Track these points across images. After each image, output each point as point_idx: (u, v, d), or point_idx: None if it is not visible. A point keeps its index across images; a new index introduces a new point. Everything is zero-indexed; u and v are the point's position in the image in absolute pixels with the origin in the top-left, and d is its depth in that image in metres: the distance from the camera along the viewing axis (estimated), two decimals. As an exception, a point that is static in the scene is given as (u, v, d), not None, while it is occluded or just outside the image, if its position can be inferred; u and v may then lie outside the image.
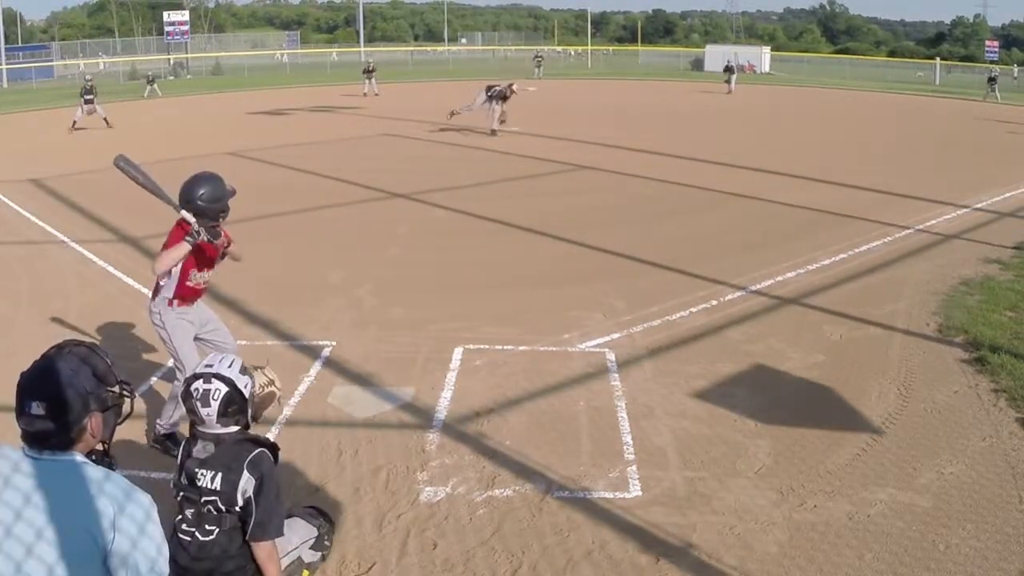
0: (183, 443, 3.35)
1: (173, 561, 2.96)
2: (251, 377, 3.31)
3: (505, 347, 6.48)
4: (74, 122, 20.94)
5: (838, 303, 7.56)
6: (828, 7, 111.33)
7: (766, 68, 51.65)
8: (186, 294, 4.71)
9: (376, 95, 30.69)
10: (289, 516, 3.47)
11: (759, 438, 5.06)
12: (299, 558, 3.50)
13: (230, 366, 3.26)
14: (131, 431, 5.08)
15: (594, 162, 15.41)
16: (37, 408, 1.95)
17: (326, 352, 6.39)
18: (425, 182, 13.48)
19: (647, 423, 5.26)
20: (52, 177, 13.92)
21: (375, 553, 3.96)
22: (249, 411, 3.28)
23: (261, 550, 3.15)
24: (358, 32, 67.91)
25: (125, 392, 2.14)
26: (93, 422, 2.02)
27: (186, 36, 49.64)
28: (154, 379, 5.92)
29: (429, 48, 71.00)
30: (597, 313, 7.27)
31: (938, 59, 51.44)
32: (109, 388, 2.08)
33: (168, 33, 48.56)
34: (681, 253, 9.23)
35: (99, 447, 2.10)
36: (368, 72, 31.88)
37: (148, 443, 4.97)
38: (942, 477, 4.61)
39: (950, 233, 10.32)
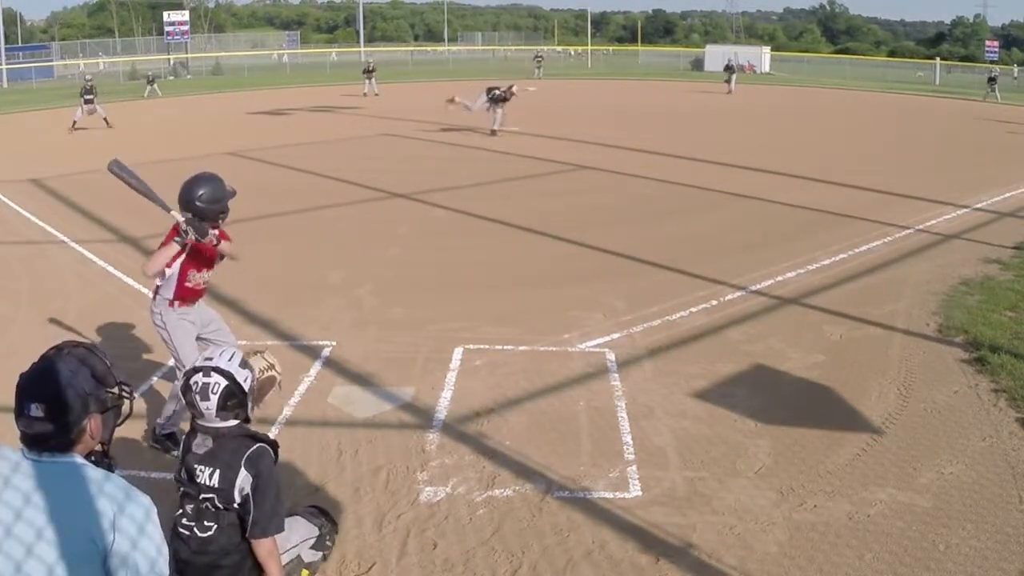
0: (184, 436, 3.34)
1: (173, 556, 2.96)
2: (251, 369, 3.31)
3: (505, 347, 6.48)
4: (74, 122, 20.94)
5: (838, 303, 7.56)
6: (828, 7, 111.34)
7: (766, 68, 51.66)
8: (186, 295, 4.71)
9: (376, 95, 30.70)
10: (291, 515, 3.46)
11: (759, 438, 5.06)
12: (298, 556, 3.49)
13: (230, 360, 3.25)
14: (131, 431, 5.09)
15: (594, 162, 15.41)
16: (36, 410, 1.95)
17: (326, 352, 6.39)
18: (425, 182, 13.48)
19: (647, 423, 5.26)
20: (52, 177, 13.92)
21: (375, 553, 3.96)
22: (249, 405, 3.27)
23: (261, 548, 3.14)
24: (358, 32, 67.92)
25: (124, 393, 2.13)
26: (92, 423, 2.02)
27: (186, 36, 49.66)
28: (154, 379, 5.92)
29: (429, 48, 71.02)
30: (597, 313, 7.27)
31: (938, 59, 51.44)
32: (108, 389, 2.08)
33: (168, 33, 48.57)
34: (681, 253, 9.23)
35: (98, 448, 2.10)
36: (368, 72, 31.88)
37: (148, 443, 4.96)
38: (942, 477, 4.61)
39: (950, 233, 10.32)
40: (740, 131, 21.50)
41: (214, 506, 3.16)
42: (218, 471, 3.14)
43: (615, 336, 6.74)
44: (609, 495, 4.45)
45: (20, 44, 55.32)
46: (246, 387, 3.23)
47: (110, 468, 2.07)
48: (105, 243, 9.59)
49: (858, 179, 13.78)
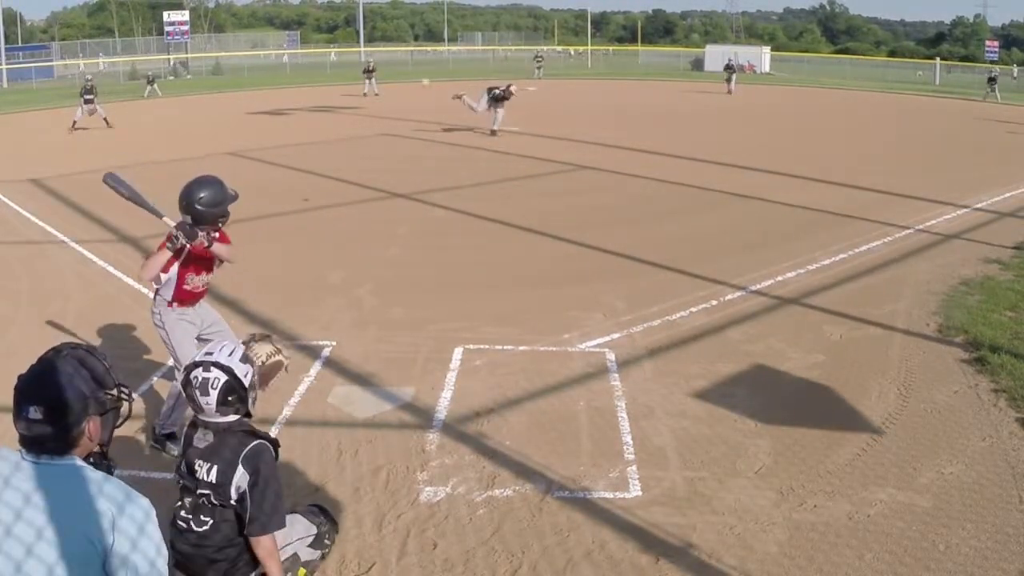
0: (185, 429, 3.34)
1: (171, 547, 2.96)
2: (252, 364, 3.30)
3: (505, 347, 6.48)
4: (74, 122, 20.94)
5: (838, 303, 7.56)
6: (828, 7, 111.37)
7: (766, 68, 51.68)
8: (184, 297, 4.72)
9: (376, 95, 30.71)
10: (289, 512, 3.45)
11: (759, 438, 5.06)
12: (295, 554, 3.46)
13: (230, 354, 3.24)
14: (131, 431, 5.09)
15: (594, 162, 15.41)
16: (35, 412, 1.94)
17: (326, 352, 6.39)
18: (425, 182, 13.48)
19: (647, 423, 5.26)
20: (52, 177, 13.92)
21: (375, 553, 3.96)
22: (250, 400, 3.26)
23: (261, 547, 3.13)
24: (358, 32, 67.95)
25: (123, 395, 2.12)
26: (91, 425, 2.01)
27: (186, 36, 49.68)
28: (154, 379, 5.93)
29: (429, 48, 71.04)
30: (597, 313, 7.27)
31: (938, 59, 51.47)
32: (107, 391, 2.07)
33: (168, 33, 48.59)
34: (681, 253, 9.23)
35: (97, 450, 2.09)
36: (368, 72, 31.89)
37: (148, 443, 4.96)
38: (942, 477, 4.61)
39: (950, 233, 10.32)
40: (740, 131, 21.50)
41: (210, 502, 3.15)
42: (216, 467, 3.14)
43: (615, 336, 6.74)
44: (609, 495, 4.45)
45: (20, 44, 55.37)
46: (246, 382, 3.22)
47: (109, 470, 2.07)
48: (105, 243, 9.59)
49: (858, 179, 13.79)
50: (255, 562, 3.17)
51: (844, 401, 5.58)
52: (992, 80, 33.53)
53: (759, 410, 5.41)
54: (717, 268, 8.56)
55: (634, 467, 4.73)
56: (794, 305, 7.56)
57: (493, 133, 18.94)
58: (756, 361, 6.25)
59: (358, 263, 8.95)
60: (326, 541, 3.61)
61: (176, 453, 3.88)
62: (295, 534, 3.41)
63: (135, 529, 1.91)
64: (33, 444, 1.95)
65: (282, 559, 3.29)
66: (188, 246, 4.50)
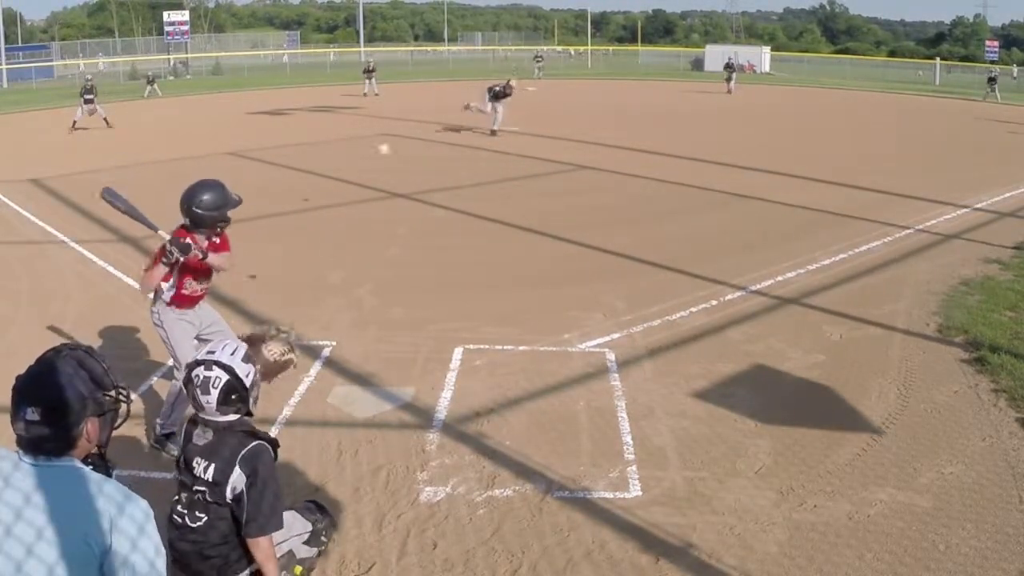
0: (186, 426, 3.33)
1: (166, 543, 2.95)
2: (254, 364, 3.29)
3: (505, 347, 6.48)
4: (74, 122, 20.94)
5: (838, 303, 7.56)
6: (828, 7, 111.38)
7: (766, 68, 51.69)
8: (183, 301, 4.73)
9: (376, 95, 30.71)
10: (285, 510, 3.44)
11: (759, 438, 5.06)
12: (290, 551, 3.43)
13: (232, 354, 3.23)
14: (131, 431, 5.09)
15: (594, 162, 15.41)
16: (32, 413, 1.93)
17: (326, 352, 6.38)
18: (425, 182, 13.48)
19: (647, 423, 5.26)
20: (52, 177, 13.92)
21: (375, 553, 3.96)
22: (251, 400, 3.25)
23: (258, 548, 3.12)
24: (358, 32, 67.95)
25: (122, 397, 2.11)
26: (89, 427, 2.00)
27: (186, 36, 49.67)
28: (154, 379, 5.92)
29: (429, 48, 71.07)
30: (597, 313, 7.27)
31: (938, 59, 51.48)
32: (106, 392, 2.06)
33: (168, 33, 48.58)
34: (681, 253, 9.23)
35: (96, 451, 2.08)
36: (368, 72, 31.90)
37: (148, 443, 4.96)
38: (942, 477, 4.61)
39: (950, 233, 10.32)
40: (740, 131, 21.50)
41: (206, 498, 3.15)
42: (214, 465, 3.13)
43: (615, 336, 6.74)
44: (609, 495, 4.45)
45: (20, 44, 55.34)
46: (247, 382, 3.21)
47: (108, 471, 2.06)
48: (105, 243, 9.59)
49: (858, 179, 13.79)
50: (249, 559, 3.16)
51: (844, 401, 5.58)
52: (992, 80, 33.54)
53: (759, 410, 5.41)
54: (717, 268, 8.56)
55: (634, 467, 4.73)
56: (794, 305, 7.56)
57: (493, 133, 18.94)
58: (756, 361, 6.25)
59: (358, 263, 8.95)
60: (322, 538, 3.60)
61: (176, 453, 3.88)
62: (290, 531, 3.39)
63: (135, 529, 1.91)
64: (31, 445, 1.94)
65: (277, 556, 3.28)
66: (182, 260, 4.51)
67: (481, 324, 6.96)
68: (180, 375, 4.67)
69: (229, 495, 3.11)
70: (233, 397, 3.17)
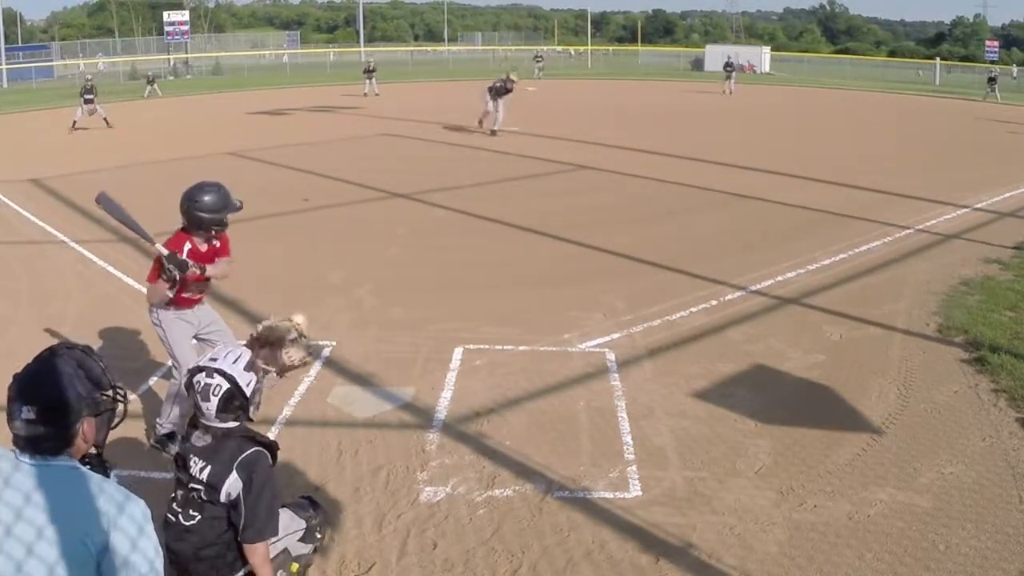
0: (187, 426, 3.33)
1: (162, 543, 2.95)
2: (256, 373, 3.28)
3: (505, 347, 6.48)
4: (74, 122, 20.94)
5: (838, 303, 7.56)
6: (828, 7, 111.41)
7: (766, 68, 51.69)
8: (182, 302, 4.72)
9: (376, 95, 30.72)
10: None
11: (759, 438, 5.06)
12: (285, 550, 3.42)
13: (235, 362, 3.22)
14: (131, 431, 5.09)
15: (594, 162, 15.41)
16: (28, 412, 1.92)
17: (326, 352, 6.38)
18: (425, 182, 13.48)
19: (647, 423, 5.26)
20: (52, 177, 13.91)
21: (375, 553, 3.96)
22: (251, 409, 3.25)
23: (255, 554, 3.11)
24: (358, 32, 67.97)
25: (119, 396, 2.10)
26: (86, 426, 1.99)
27: (186, 36, 49.64)
28: (154, 379, 5.92)
29: (429, 48, 71.09)
30: (597, 313, 7.27)
31: (938, 59, 51.48)
32: (103, 392, 2.05)
33: (168, 33, 48.56)
34: (681, 253, 9.23)
35: (92, 451, 2.08)
36: (369, 72, 31.91)
37: (148, 443, 4.96)
38: (942, 477, 4.61)
39: (950, 233, 10.32)
40: (740, 131, 21.50)
41: (200, 497, 3.14)
42: (210, 468, 3.13)
43: (615, 336, 6.74)
44: (609, 495, 4.45)
45: (20, 44, 55.34)
46: (248, 391, 3.19)
47: (105, 471, 2.06)
48: (105, 243, 9.58)
49: (858, 179, 13.78)
50: (243, 560, 3.16)
51: (844, 401, 5.58)
52: (992, 80, 33.54)
53: (759, 410, 5.41)
54: (717, 268, 8.56)
55: (634, 467, 4.73)
56: (794, 305, 7.56)
57: (493, 133, 18.94)
58: (756, 361, 6.25)
59: (358, 263, 8.95)
60: (317, 534, 3.58)
61: (176, 453, 3.88)
62: (284, 529, 3.38)
63: (135, 529, 1.91)
64: (27, 444, 1.94)
65: (273, 556, 3.27)
66: (183, 276, 4.50)
67: (481, 324, 6.96)
68: (178, 374, 4.67)
69: (224, 499, 3.11)
70: (233, 405, 3.16)
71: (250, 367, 3.23)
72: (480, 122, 19.15)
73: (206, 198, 4.55)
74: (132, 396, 5.56)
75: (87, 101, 21.51)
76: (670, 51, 66.23)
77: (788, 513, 4.27)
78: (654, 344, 6.57)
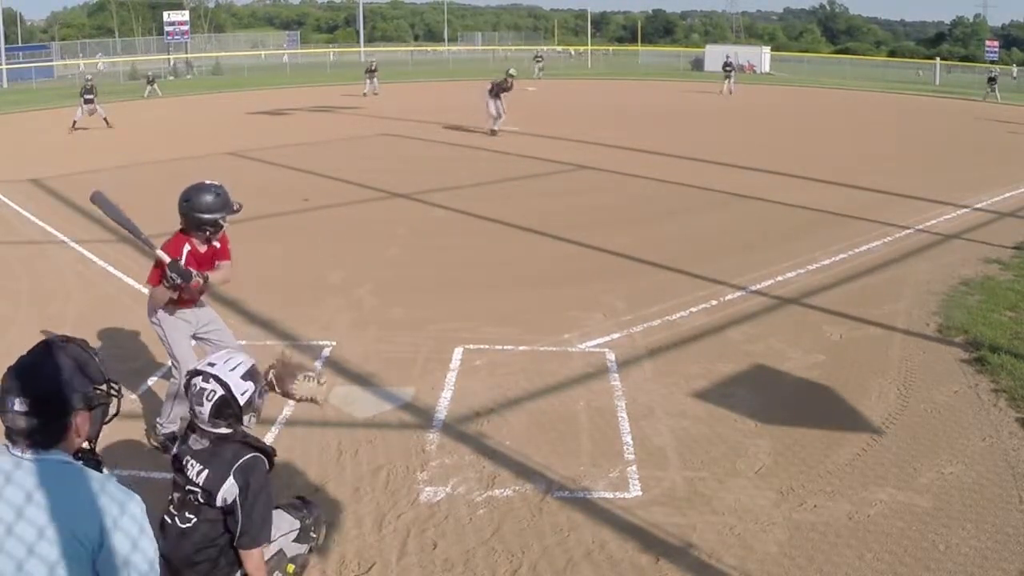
0: (185, 428, 3.33)
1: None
2: (257, 385, 3.26)
3: (505, 347, 6.48)
4: (74, 122, 20.95)
5: (838, 303, 7.56)
6: (828, 7, 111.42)
7: (766, 68, 51.68)
8: (181, 304, 4.71)
9: (375, 95, 30.74)
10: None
11: (759, 438, 5.06)
12: (281, 551, 3.42)
13: (232, 369, 3.20)
14: (131, 431, 5.09)
15: (594, 162, 15.41)
16: (21, 405, 1.90)
17: (326, 352, 6.39)
18: (425, 182, 13.49)
19: (647, 423, 5.26)
20: (52, 177, 13.92)
21: (375, 553, 3.96)
22: (246, 418, 3.23)
23: (249, 559, 3.11)
24: (358, 32, 67.99)
25: (112, 391, 2.07)
26: (79, 421, 1.97)
27: (186, 36, 49.68)
28: (154, 379, 5.92)
29: (429, 48, 71.08)
30: (597, 313, 7.27)
31: (938, 59, 51.48)
32: (96, 386, 2.02)
33: (168, 33, 48.59)
34: (681, 253, 9.23)
35: (85, 446, 2.04)
36: (371, 72, 31.96)
37: (148, 443, 4.96)
38: (942, 477, 4.61)
39: (950, 233, 10.32)
40: (740, 131, 21.50)
41: (196, 500, 3.14)
42: (207, 471, 3.12)
43: (615, 336, 6.74)
44: (609, 495, 4.45)
45: (20, 44, 55.34)
46: (242, 400, 3.17)
47: (97, 466, 2.03)
48: (105, 243, 9.58)
49: (858, 179, 13.79)
50: (239, 563, 3.16)
51: (844, 401, 5.58)
52: (992, 80, 33.54)
53: (759, 410, 5.41)
54: (717, 268, 8.56)
55: (634, 467, 4.73)
56: (794, 305, 7.56)
57: (493, 133, 18.94)
58: (756, 361, 6.25)
59: (358, 263, 8.95)
60: (312, 534, 3.57)
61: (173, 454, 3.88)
62: (278, 530, 3.37)
63: (136, 529, 1.90)
64: (18, 437, 1.91)
65: (268, 556, 3.27)
66: (186, 285, 4.48)
67: (481, 324, 6.96)
68: (178, 374, 4.66)
69: (219, 503, 3.10)
70: (226, 412, 3.15)
71: (249, 376, 3.22)
72: (492, 131, 19.09)
73: (204, 198, 4.53)
74: (132, 396, 5.57)
75: (87, 101, 21.51)
76: (670, 51, 66.24)
77: (788, 513, 4.27)
78: (654, 344, 6.57)
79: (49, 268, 8.85)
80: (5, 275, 8.54)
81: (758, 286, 8.04)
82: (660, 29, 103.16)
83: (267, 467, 3.22)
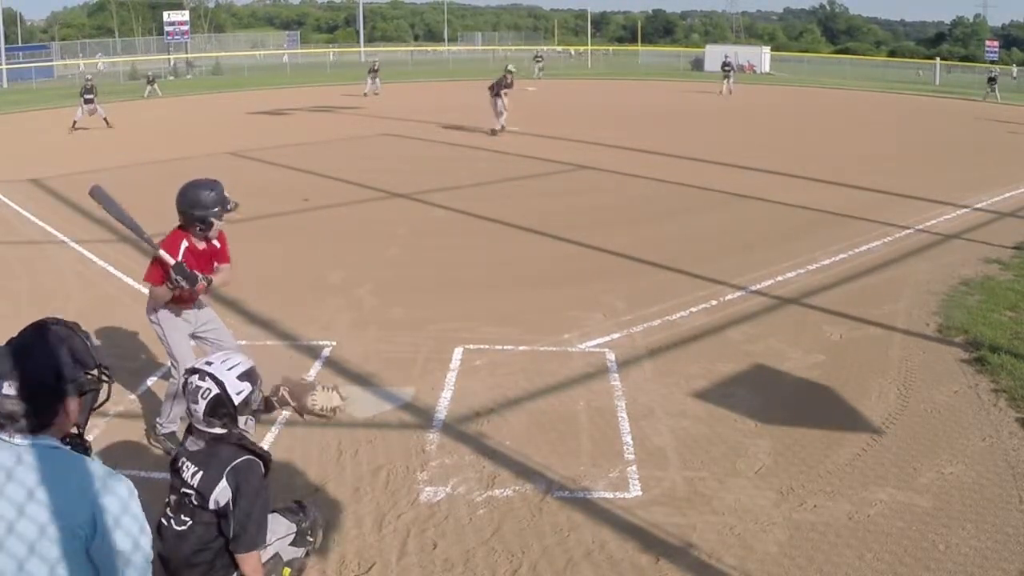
0: (185, 431, 3.33)
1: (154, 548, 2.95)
2: (255, 386, 3.26)
3: (505, 347, 6.48)
4: (74, 122, 20.95)
5: (838, 303, 7.56)
6: (828, 7, 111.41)
7: (766, 68, 51.68)
8: (179, 301, 4.71)
9: (376, 95, 30.75)
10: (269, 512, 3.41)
11: (759, 438, 5.06)
12: (277, 554, 3.41)
13: (229, 369, 3.20)
14: (131, 431, 5.10)
15: (594, 162, 15.41)
16: (9, 388, 1.86)
17: (326, 352, 6.38)
18: (425, 182, 13.48)
19: (647, 423, 5.26)
20: (52, 177, 13.92)
21: (375, 553, 3.95)
22: (241, 420, 3.22)
23: (246, 564, 3.10)
24: (358, 32, 67.99)
25: (104, 376, 2.03)
26: (69, 405, 1.93)
27: (186, 36, 49.70)
28: (153, 379, 5.92)
29: (429, 48, 71.09)
30: (597, 313, 7.27)
31: (938, 59, 51.49)
32: (87, 371, 1.98)
33: (168, 33, 48.61)
34: (681, 253, 9.23)
35: (74, 431, 2.01)
36: (373, 72, 32.01)
37: (148, 443, 4.96)
38: (942, 477, 4.61)
39: (950, 233, 10.31)
40: (740, 131, 21.50)
41: (191, 502, 3.14)
42: (201, 473, 3.12)
43: (615, 336, 6.74)
44: (609, 495, 4.45)
45: (20, 44, 55.35)
46: (237, 400, 3.17)
47: (86, 452, 2.00)
48: (105, 243, 9.58)
49: (858, 179, 13.78)
50: (235, 565, 3.15)
51: (844, 401, 5.58)
52: (992, 80, 33.54)
53: (759, 410, 5.41)
54: (717, 268, 8.56)
55: (634, 467, 4.73)
56: (794, 305, 7.56)
57: (493, 133, 18.95)
58: (756, 361, 6.25)
59: (358, 263, 8.95)
60: (308, 538, 3.57)
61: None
62: (275, 534, 3.36)
63: (119, 506, 1.87)
64: (6, 421, 1.88)
65: (264, 560, 3.26)
66: (192, 288, 4.48)
67: (481, 324, 6.96)
68: (176, 373, 4.66)
69: (212, 505, 3.10)
70: (221, 411, 3.15)
71: (246, 377, 3.21)
72: (493, 130, 19.06)
73: (196, 193, 4.51)
74: (132, 396, 5.58)
75: (87, 101, 21.52)
76: (670, 51, 66.24)
77: (788, 513, 4.27)
78: (654, 344, 6.57)
79: (49, 268, 8.85)
80: (5, 275, 8.54)
81: (758, 286, 8.04)
82: (660, 29, 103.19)
83: (262, 471, 3.20)
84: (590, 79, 43.48)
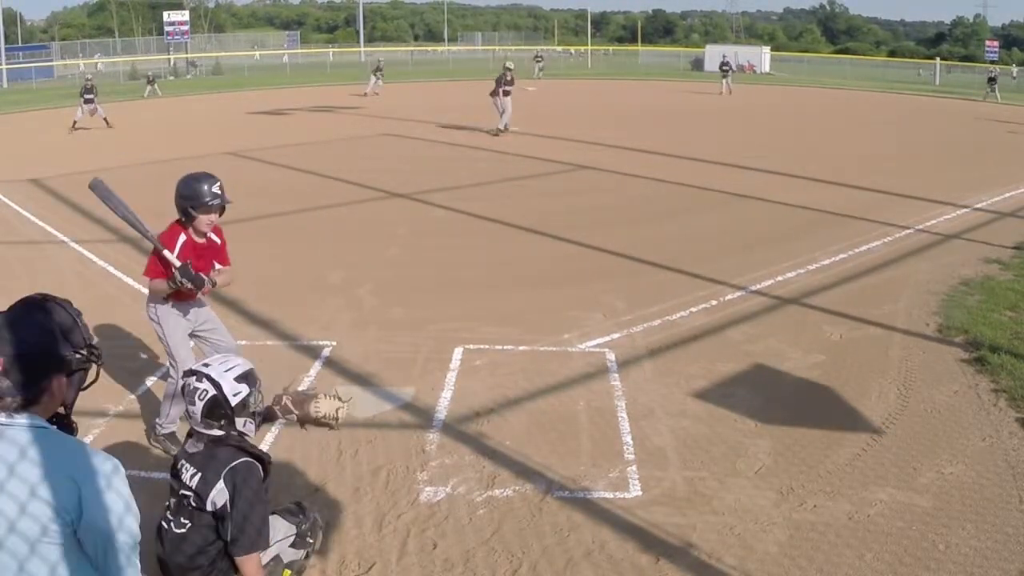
0: (187, 434, 3.33)
1: (153, 553, 2.94)
2: (253, 388, 3.25)
3: (505, 347, 6.48)
4: (74, 122, 20.96)
5: (838, 303, 7.56)
6: (828, 7, 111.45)
7: (766, 68, 51.70)
8: (179, 296, 4.71)
9: (376, 94, 30.77)
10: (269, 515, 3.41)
11: (759, 438, 5.06)
12: (277, 556, 3.41)
13: (227, 370, 3.19)
14: (131, 431, 5.10)
15: (594, 162, 15.41)
16: None
17: (326, 352, 6.38)
18: (425, 182, 13.48)
19: (647, 423, 5.26)
20: (52, 177, 13.92)
21: (375, 553, 3.95)
22: (239, 421, 3.22)
23: (244, 566, 3.09)
24: (358, 32, 67.99)
25: (93, 355, 1.95)
26: (56, 384, 1.87)
27: (186, 36, 49.70)
28: (152, 379, 5.91)
29: (429, 48, 71.10)
30: (597, 313, 7.27)
31: (938, 59, 51.50)
32: (77, 349, 1.90)
33: (168, 33, 48.61)
34: (681, 253, 9.23)
35: (61, 411, 1.94)
36: (378, 71, 32.04)
37: (148, 443, 4.96)
38: (942, 477, 4.61)
39: (950, 233, 10.31)
40: (740, 131, 21.50)
41: (190, 504, 3.14)
42: (199, 475, 3.11)
43: (615, 336, 6.74)
44: (609, 495, 4.45)
45: (20, 44, 55.38)
46: (233, 402, 3.16)
47: (71, 432, 1.94)
48: (105, 243, 9.59)
49: (858, 179, 13.78)
50: (235, 568, 3.14)
51: (844, 401, 5.57)
52: (992, 80, 33.54)
53: (759, 410, 5.40)
54: (717, 268, 8.56)
55: (634, 467, 4.72)
56: (794, 305, 7.56)
57: (496, 133, 18.95)
58: (756, 361, 6.25)
59: (358, 263, 8.95)
60: (308, 540, 3.56)
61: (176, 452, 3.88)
62: (274, 536, 3.36)
63: (103, 483, 1.82)
64: None
65: (264, 563, 3.26)
66: (197, 288, 4.47)
67: (481, 324, 6.96)
68: (175, 373, 4.66)
69: (209, 507, 3.10)
70: (217, 412, 3.14)
71: (244, 379, 3.21)
72: (496, 130, 19.06)
73: (185, 183, 4.50)
74: (131, 396, 5.57)
75: (87, 101, 21.52)
76: (670, 51, 66.28)
77: (788, 513, 4.27)
78: (654, 344, 6.57)
79: (49, 268, 8.85)
80: (5, 275, 8.53)
81: (758, 286, 8.04)
82: (660, 29, 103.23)
83: (261, 473, 3.20)
84: (590, 79, 43.49)
